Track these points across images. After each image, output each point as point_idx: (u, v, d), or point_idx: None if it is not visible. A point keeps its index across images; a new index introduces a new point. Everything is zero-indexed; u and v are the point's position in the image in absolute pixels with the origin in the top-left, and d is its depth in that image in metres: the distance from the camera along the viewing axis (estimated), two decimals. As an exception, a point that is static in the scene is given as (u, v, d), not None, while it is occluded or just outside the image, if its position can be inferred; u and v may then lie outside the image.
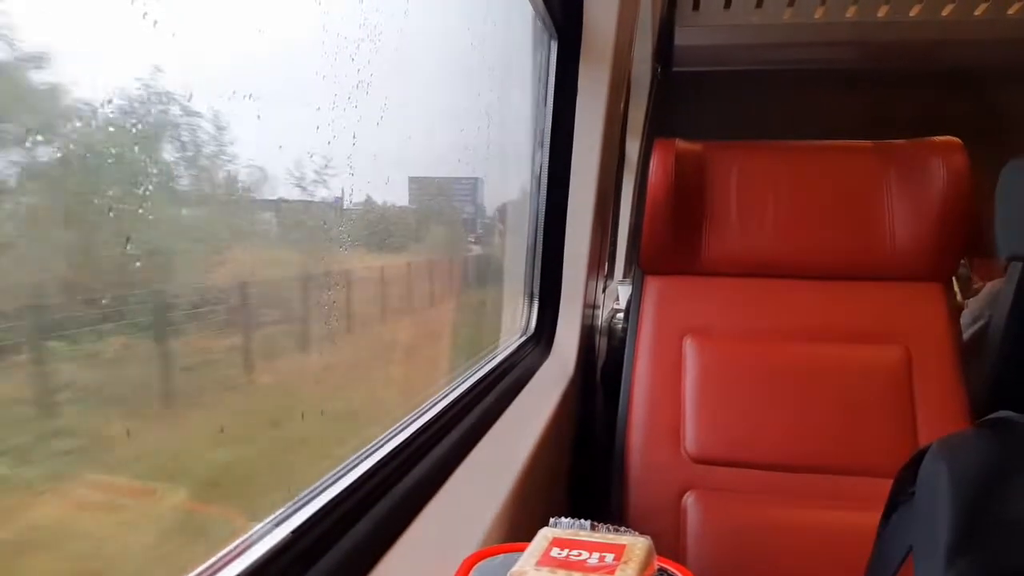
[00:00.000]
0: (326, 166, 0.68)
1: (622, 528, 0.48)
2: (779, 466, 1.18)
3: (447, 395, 0.92)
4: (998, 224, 1.25)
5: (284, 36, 0.61)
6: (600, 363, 1.66)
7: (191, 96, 0.50)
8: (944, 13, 2.27)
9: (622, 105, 1.55)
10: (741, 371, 1.24)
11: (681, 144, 1.34)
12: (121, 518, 0.51)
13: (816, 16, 2.33)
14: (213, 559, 0.47)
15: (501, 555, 0.50)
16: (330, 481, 0.62)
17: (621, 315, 1.71)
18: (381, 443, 0.73)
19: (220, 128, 0.54)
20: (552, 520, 0.50)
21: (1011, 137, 1.56)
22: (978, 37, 2.34)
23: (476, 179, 1.30)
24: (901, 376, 1.20)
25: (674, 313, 1.32)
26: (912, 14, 2.28)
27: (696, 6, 2.34)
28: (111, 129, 0.45)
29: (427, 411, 0.85)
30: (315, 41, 0.63)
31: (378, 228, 0.87)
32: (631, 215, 2.98)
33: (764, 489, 1.17)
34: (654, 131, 2.64)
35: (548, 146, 1.36)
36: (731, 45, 2.53)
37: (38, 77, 0.40)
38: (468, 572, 0.49)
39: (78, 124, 0.43)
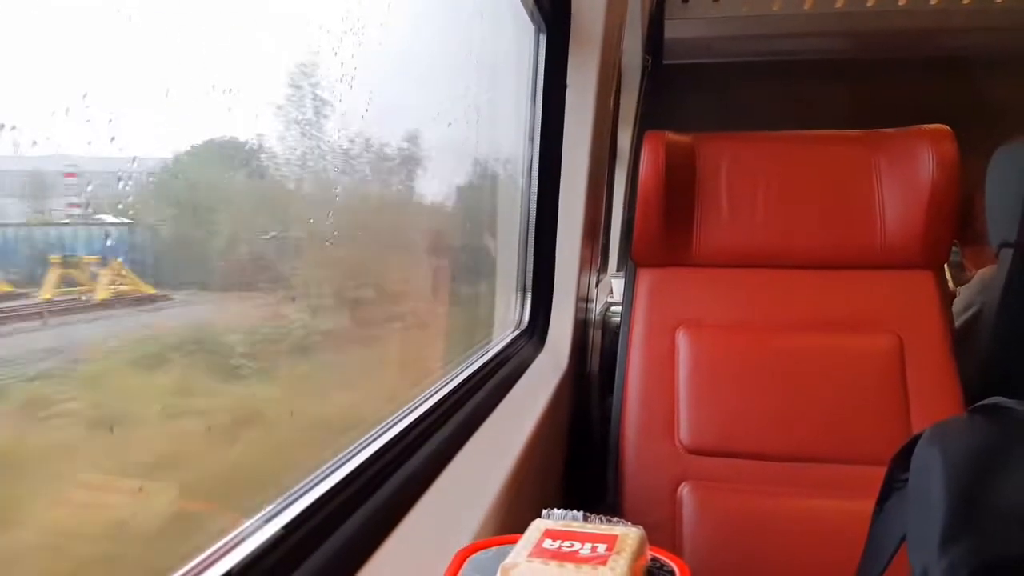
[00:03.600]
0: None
1: (615, 519, 0.48)
2: (773, 456, 1.18)
3: (439, 390, 0.92)
4: (988, 211, 1.25)
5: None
6: (594, 356, 1.66)
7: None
8: (933, 2, 2.28)
9: (612, 98, 1.54)
10: (734, 362, 1.24)
11: (671, 136, 1.33)
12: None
13: (805, 6, 2.33)
14: (202, 556, 0.47)
15: (494, 547, 0.49)
16: (322, 476, 0.62)
17: (616, 308, 1.71)
18: (373, 438, 0.72)
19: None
20: (544, 511, 0.50)
21: (1000, 124, 1.56)
22: (967, 25, 2.34)
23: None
24: (894, 364, 1.20)
25: (667, 305, 1.32)
26: (901, 3, 2.29)
27: None
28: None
29: (419, 406, 0.84)
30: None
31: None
32: (624, 208, 2.98)
33: (759, 479, 1.18)
34: (645, 123, 2.64)
35: (538, 139, 1.36)
36: (721, 37, 2.53)
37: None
38: (461, 565, 0.48)
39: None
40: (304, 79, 0.64)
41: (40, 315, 0.42)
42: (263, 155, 0.62)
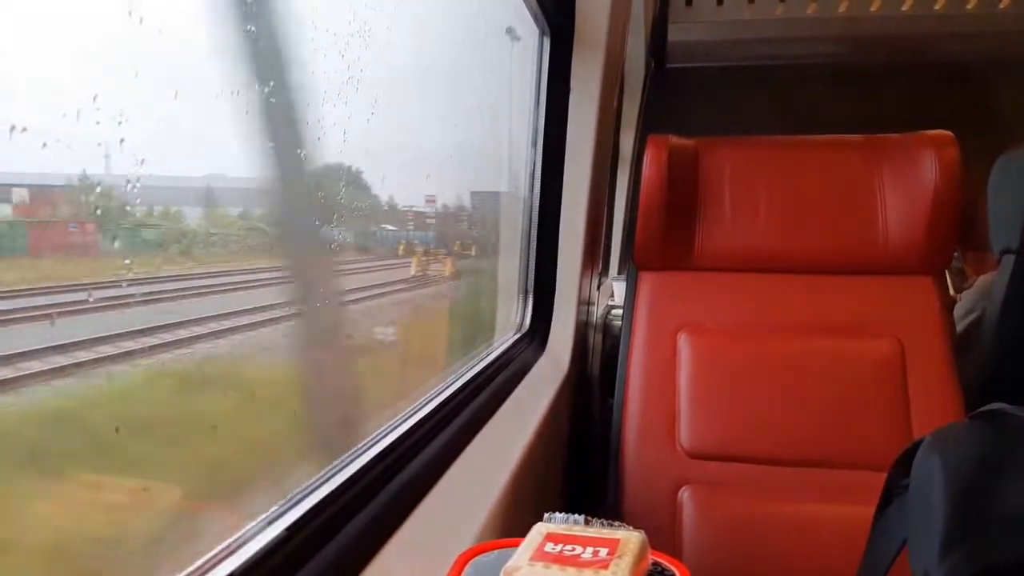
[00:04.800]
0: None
1: (616, 523, 0.48)
2: (774, 460, 1.18)
3: (440, 393, 0.92)
4: (991, 217, 1.25)
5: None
6: (595, 360, 1.66)
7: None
8: (937, 7, 2.28)
9: (616, 101, 1.54)
10: (735, 366, 1.24)
11: (674, 140, 1.33)
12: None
13: (808, 11, 2.33)
14: (205, 558, 0.47)
15: (495, 551, 0.50)
16: (324, 478, 0.62)
17: (617, 311, 1.71)
18: (375, 440, 0.72)
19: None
20: (546, 515, 0.50)
21: (1003, 130, 1.56)
22: (971, 30, 2.34)
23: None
24: (895, 369, 1.20)
25: (668, 309, 1.32)
26: (904, 8, 2.29)
27: (689, 2, 2.35)
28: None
29: (420, 409, 0.84)
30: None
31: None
32: (625, 211, 2.98)
33: (759, 483, 1.18)
34: (648, 127, 2.64)
35: (541, 142, 1.36)
36: (724, 41, 2.54)
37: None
38: (463, 568, 0.48)
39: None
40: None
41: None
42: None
